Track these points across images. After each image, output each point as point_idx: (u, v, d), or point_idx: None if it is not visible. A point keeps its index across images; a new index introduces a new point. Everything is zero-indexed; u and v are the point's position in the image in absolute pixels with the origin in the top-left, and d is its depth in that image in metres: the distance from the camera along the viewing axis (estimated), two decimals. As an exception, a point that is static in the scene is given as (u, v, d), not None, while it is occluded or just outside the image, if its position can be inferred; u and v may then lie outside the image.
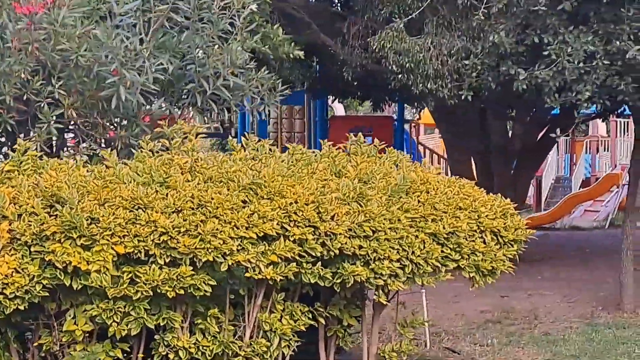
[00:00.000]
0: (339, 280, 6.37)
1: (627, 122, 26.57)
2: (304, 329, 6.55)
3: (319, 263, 6.32)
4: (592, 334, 9.25)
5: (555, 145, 28.75)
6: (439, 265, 6.88)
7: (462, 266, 7.04)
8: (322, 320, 6.70)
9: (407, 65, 9.74)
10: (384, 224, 6.51)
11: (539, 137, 15.23)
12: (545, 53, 8.65)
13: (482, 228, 7.12)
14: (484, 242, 7.11)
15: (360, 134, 7.67)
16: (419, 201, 6.85)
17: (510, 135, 15.08)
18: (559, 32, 8.69)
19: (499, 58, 9.28)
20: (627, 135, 26.72)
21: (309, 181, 6.52)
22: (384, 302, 6.79)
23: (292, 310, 6.50)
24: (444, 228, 6.81)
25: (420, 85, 9.72)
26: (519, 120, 14.87)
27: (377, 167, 7.12)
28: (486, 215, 7.14)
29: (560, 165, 28.85)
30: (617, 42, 8.55)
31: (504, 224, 7.30)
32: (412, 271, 6.72)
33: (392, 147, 7.87)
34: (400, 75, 9.86)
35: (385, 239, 6.52)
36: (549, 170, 28.13)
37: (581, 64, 8.63)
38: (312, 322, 6.62)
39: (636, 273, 12.58)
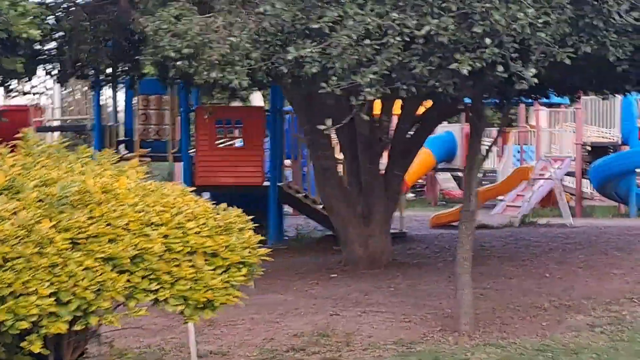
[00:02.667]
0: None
1: (564, 112, 25.20)
2: None
3: None
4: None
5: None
6: (124, 299, 5.34)
7: (163, 298, 5.52)
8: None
9: (186, 50, 8.14)
10: (24, 248, 4.95)
11: (412, 132, 13.69)
12: (316, 26, 7.10)
13: (190, 249, 5.58)
14: (194, 267, 5.58)
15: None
16: (90, 217, 5.30)
17: (378, 127, 13.47)
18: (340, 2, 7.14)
19: (283, 36, 7.73)
20: (559, 125, 25.31)
21: None
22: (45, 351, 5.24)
23: None
24: (125, 250, 5.27)
25: (205, 73, 8.10)
26: (384, 112, 13.30)
27: (47, 172, 5.54)
28: (195, 232, 5.60)
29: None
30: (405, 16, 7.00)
31: (227, 242, 5.77)
32: (80, 308, 5.17)
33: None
34: (180, 62, 8.26)
35: (29, 268, 4.97)
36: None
37: (368, 41, 7.09)
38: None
39: (484, 288, 11.18)
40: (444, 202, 27.87)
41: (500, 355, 7.99)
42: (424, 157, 27.43)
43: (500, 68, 7.06)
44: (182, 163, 15.74)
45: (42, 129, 16.77)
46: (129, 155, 15.20)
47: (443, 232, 17.96)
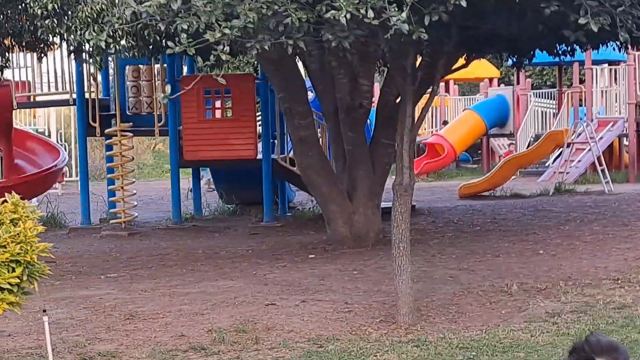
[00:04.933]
0: None
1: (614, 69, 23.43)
2: None
3: None
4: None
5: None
6: None
7: None
8: None
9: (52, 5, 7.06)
10: None
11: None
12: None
13: None
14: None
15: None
16: None
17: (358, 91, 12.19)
18: None
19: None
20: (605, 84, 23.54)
21: None
22: None
23: None
24: None
25: (73, 35, 7.00)
26: (364, 76, 12.02)
27: None
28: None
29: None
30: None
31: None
32: None
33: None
34: (47, 21, 7.18)
35: None
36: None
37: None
38: None
39: (460, 268, 9.96)
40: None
41: (415, 355, 6.79)
42: (473, 122, 26.05)
43: (370, 13, 5.81)
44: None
45: (26, 105, 15.97)
46: (109, 130, 14.29)
47: (466, 204, 16.67)
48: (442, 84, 29.89)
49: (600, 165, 18.33)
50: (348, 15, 5.84)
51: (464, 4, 5.97)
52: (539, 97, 27.30)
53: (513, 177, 21.32)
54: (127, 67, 14.98)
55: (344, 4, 5.79)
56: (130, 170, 14.58)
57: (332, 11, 5.89)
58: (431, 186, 22.12)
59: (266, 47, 6.46)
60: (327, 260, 11.18)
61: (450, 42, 7.61)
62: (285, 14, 6.06)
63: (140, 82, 15.09)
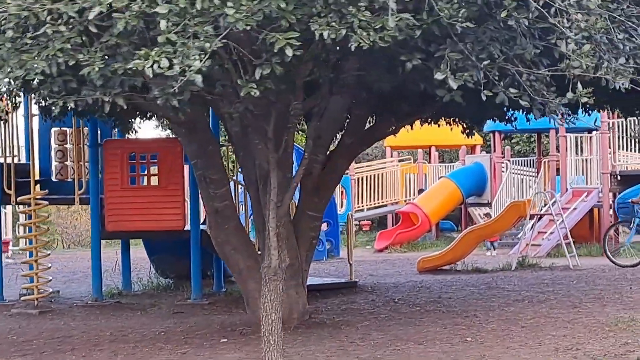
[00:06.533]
0: None
1: (580, 137, 22.47)
2: None
3: None
4: None
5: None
6: None
7: None
8: None
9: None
10: None
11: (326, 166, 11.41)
12: None
13: None
14: None
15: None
16: None
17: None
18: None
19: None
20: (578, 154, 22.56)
21: None
22: None
23: None
24: None
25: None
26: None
27: None
28: None
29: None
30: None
31: None
32: None
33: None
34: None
35: None
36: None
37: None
38: None
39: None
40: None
41: None
42: (448, 191, 25.06)
43: (164, 62, 4.82)
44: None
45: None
46: (23, 198, 13.28)
47: (420, 279, 15.59)
48: (420, 151, 29.06)
49: (566, 238, 17.28)
50: (155, 66, 4.86)
51: (287, 53, 4.97)
52: (519, 164, 26.37)
53: (489, 252, 20.30)
54: (52, 130, 14.05)
55: (152, 53, 4.80)
56: (45, 241, 13.55)
57: (137, 60, 4.91)
58: (401, 258, 21.08)
59: (90, 102, 5.48)
60: (237, 345, 10.09)
61: (316, 98, 6.62)
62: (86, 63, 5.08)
63: (66, 146, 14.12)
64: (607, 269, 15.79)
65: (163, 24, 4.75)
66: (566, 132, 21.42)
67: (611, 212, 20.21)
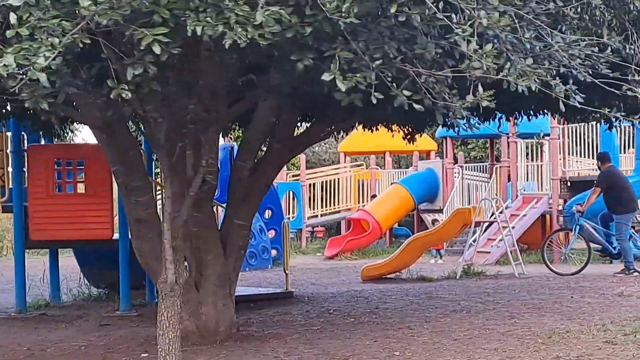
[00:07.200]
0: None
1: (531, 144, 22.21)
2: None
3: None
4: None
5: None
6: None
7: None
8: None
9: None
10: None
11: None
12: None
13: None
14: None
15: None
16: None
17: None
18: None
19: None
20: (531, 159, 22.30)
21: None
22: None
23: None
24: None
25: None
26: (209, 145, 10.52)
27: None
28: None
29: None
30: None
31: None
32: None
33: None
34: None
35: None
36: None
37: None
38: None
39: None
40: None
41: None
42: (400, 197, 24.71)
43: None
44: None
45: None
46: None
47: (361, 288, 15.17)
48: (373, 156, 28.69)
49: (513, 246, 16.95)
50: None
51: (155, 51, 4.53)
52: (472, 170, 26.09)
53: (434, 260, 19.98)
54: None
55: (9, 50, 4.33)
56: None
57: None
58: (349, 265, 20.68)
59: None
60: (156, 360, 9.61)
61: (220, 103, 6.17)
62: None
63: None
64: (551, 277, 15.48)
65: (12, 18, 4.30)
66: (517, 137, 21.12)
67: (561, 219, 19.91)
